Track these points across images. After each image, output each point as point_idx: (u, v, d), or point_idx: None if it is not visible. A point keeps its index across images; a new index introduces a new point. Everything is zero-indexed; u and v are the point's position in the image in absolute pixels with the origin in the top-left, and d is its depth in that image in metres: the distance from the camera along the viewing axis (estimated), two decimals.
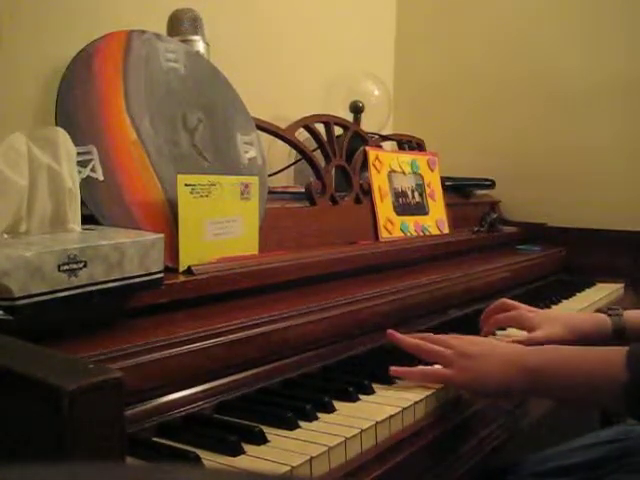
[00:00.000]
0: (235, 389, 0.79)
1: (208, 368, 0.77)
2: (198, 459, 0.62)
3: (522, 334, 1.05)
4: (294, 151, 1.30)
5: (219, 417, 0.74)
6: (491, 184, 1.89)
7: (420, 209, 1.47)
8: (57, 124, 0.86)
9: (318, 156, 1.27)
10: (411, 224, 1.42)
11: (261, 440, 0.66)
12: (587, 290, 1.60)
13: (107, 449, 0.46)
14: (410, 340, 0.91)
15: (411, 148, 1.58)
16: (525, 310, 1.09)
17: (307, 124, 1.26)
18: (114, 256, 0.70)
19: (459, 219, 1.63)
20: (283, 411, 0.72)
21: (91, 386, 0.45)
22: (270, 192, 1.13)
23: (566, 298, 1.47)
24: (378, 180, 1.36)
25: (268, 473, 0.56)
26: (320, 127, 1.31)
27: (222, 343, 0.78)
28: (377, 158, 1.38)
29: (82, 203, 0.80)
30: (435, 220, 1.50)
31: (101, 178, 0.84)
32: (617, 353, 0.77)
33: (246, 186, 0.99)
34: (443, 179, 1.58)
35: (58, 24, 1.13)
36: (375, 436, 0.72)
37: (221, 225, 0.95)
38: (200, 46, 1.16)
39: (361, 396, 0.81)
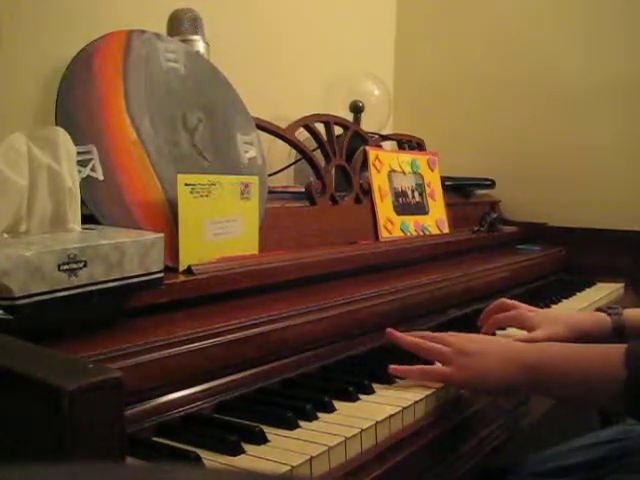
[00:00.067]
0: (234, 389, 0.79)
1: (206, 368, 0.77)
2: (199, 459, 0.62)
3: (522, 334, 1.05)
4: (294, 151, 1.30)
5: (219, 417, 0.74)
6: (491, 184, 1.89)
7: (420, 209, 1.47)
8: (57, 124, 0.86)
9: (318, 156, 1.27)
10: (411, 224, 1.42)
11: (261, 440, 0.66)
12: (587, 290, 1.60)
13: (107, 449, 0.46)
14: (409, 338, 0.91)
15: (411, 148, 1.58)
16: (525, 310, 1.09)
17: (307, 124, 1.26)
18: (114, 256, 0.70)
19: (459, 219, 1.63)
20: (283, 411, 0.72)
21: (91, 386, 0.45)
22: (270, 192, 1.13)
23: (566, 298, 1.47)
24: (378, 180, 1.36)
25: (268, 473, 0.56)
26: (320, 127, 1.31)
27: (220, 343, 0.78)
28: (377, 158, 1.38)
29: (82, 203, 0.80)
30: (435, 220, 1.50)
31: (101, 178, 0.84)
32: (616, 351, 0.77)
33: (246, 186, 0.99)
34: (443, 179, 1.58)
35: (58, 24, 1.13)
36: (375, 436, 0.72)
37: (221, 225, 0.95)
38: (200, 46, 1.16)
39: (361, 396, 0.81)
